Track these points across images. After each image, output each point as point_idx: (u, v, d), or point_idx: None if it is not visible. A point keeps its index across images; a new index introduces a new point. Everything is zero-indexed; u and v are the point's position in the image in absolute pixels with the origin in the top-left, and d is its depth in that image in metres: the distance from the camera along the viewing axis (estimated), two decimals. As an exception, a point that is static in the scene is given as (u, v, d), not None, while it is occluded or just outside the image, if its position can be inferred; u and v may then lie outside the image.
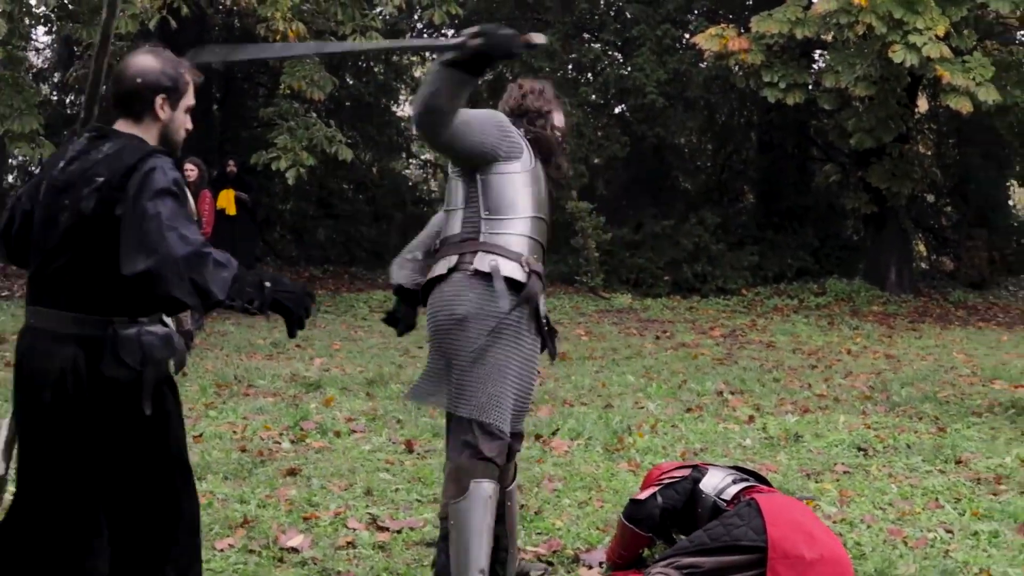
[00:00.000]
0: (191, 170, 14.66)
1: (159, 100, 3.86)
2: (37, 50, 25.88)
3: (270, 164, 17.96)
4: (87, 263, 3.74)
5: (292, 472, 7.48)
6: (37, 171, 4.04)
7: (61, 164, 3.84)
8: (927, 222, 26.41)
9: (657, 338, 16.40)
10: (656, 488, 5.50)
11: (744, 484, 5.35)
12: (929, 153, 25.04)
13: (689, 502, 5.42)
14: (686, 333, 17.05)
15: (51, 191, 3.81)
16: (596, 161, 23.30)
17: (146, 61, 3.87)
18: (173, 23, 15.62)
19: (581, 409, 10.05)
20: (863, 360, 14.25)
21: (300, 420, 9.17)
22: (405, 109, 29.24)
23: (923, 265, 26.60)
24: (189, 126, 3.99)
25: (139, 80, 3.83)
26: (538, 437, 8.65)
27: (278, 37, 16.78)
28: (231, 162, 19.02)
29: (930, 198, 26.06)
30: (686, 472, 5.59)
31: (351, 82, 24.14)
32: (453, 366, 4.94)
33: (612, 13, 24.05)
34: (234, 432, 8.74)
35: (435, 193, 29.15)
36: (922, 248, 27.31)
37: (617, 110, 24.61)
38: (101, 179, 3.71)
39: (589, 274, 21.55)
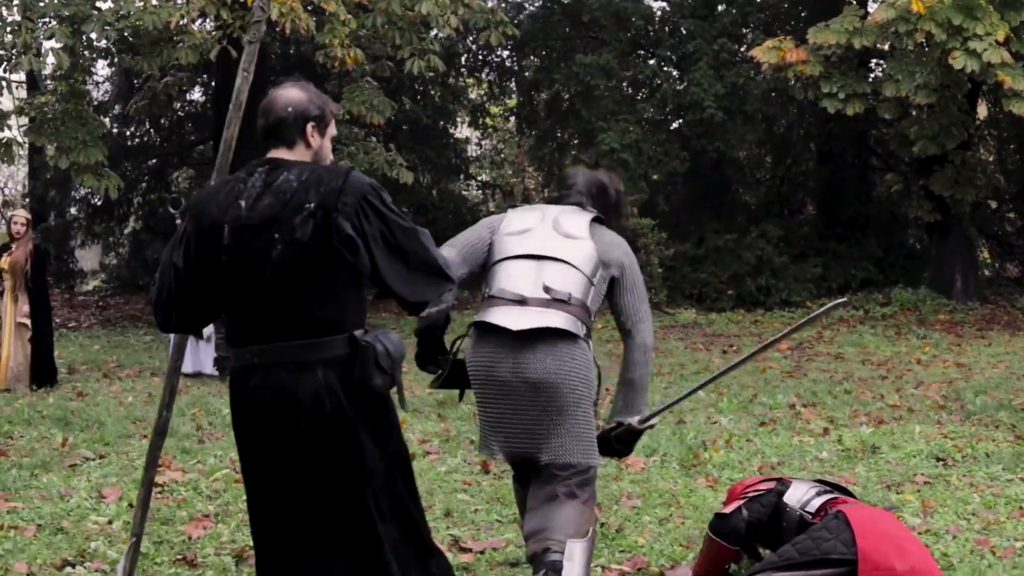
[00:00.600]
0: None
1: (309, 127, 3.97)
2: (97, 83, 26.23)
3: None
4: (313, 288, 3.82)
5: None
6: (185, 224, 3.98)
7: (243, 203, 3.83)
8: (991, 229, 26.15)
9: (724, 352, 16.34)
10: (741, 502, 5.49)
11: (828, 496, 5.31)
12: (991, 159, 24.83)
13: (774, 515, 5.40)
14: (752, 347, 16.92)
15: (245, 232, 3.82)
16: (656, 177, 23.24)
17: (294, 92, 3.97)
18: (234, 52, 15.74)
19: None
20: (933, 369, 14.13)
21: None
22: (462, 131, 29.39)
23: (988, 272, 26.34)
24: (331, 156, 4.12)
25: (290, 109, 3.92)
26: (612, 455, 8.63)
27: (336, 64, 16.92)
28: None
29: (993, 204, 25.80)
30: (770, 485, 5.57)
31: (408, 105, 24.23)
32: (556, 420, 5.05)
33: (668, 29, 24.05)
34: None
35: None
36: (986, 255, 27.06)
37: (675, 125, 24.55)
38: (311, 205, 3.77)
39: (652, 290, 21.51)
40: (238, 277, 3.85)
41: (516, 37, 20.12)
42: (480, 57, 25.63)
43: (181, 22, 15.91)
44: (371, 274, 3.85)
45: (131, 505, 7.22)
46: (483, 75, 26.67)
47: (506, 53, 25.81)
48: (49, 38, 16.41)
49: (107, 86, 26.88)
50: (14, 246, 13.34)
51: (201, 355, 14.34)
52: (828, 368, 14.39)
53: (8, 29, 16.40)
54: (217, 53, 16.21)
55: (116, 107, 25.59)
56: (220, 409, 11.18)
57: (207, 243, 3.85)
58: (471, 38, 22.75)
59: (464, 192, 28.70)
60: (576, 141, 25.44)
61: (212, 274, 3.88)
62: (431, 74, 21.23)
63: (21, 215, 13.70)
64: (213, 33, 16.45)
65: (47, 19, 16.64)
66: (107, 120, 25.72)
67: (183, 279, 3.91)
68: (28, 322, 13.29)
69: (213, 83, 23.65)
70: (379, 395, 3.88)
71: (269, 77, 21.10)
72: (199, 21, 17.39)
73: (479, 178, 28.90)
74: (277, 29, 16.15)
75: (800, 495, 5.37)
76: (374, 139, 19.61)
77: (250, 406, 3.89)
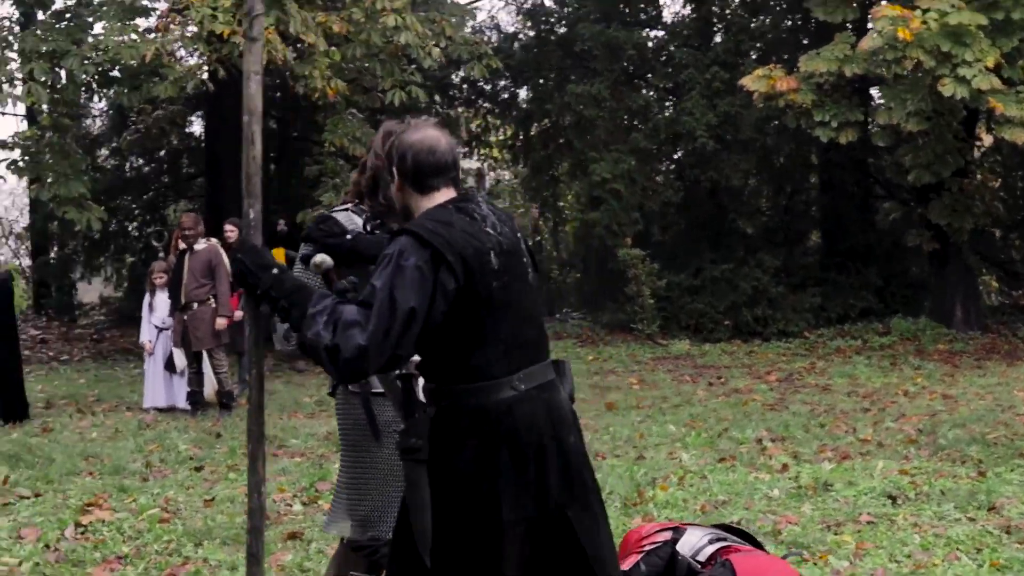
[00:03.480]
0: (231, 231, 14.68)
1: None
2: (93, 117, 26.20)
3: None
4: (542, 310, 4.10)
5: (293, 536, 7.32)
6: (415, 262, 3.66)
7: (491, 231, 3.80)
8: (996, 256, 25.76)
9: (710, 384, 16.10)
10: (639, 556, 5.23)
11: (721, 544, 5.07)
12: (997, 185, 24.46)
13: (669, 566, 5.15)
14: (741, 378, 16.71)
15: (508, 257, 3.83)
16: (651, 207, 23.01)
17: (444, 134, 3.98)
18: (210, 87, 15.64)
19: (612, 462, 9.80)
20: (919, 401, 13.82)
21: (317, 481, 9.01)
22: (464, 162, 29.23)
23: (994, 300, 25.95)
24: None
25: (455, 151, 3.98)
26: (556, 493, 8.40)
27: (316, 96, 16.79)
28: (281, 221, 19.05)
29: (997, 232, 25.41)
30: (666, 536, 5.31)
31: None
32: None
33: (662, 58, 23.84)
34: (246, 495, 8.58)
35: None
36: (994, 283, 26.67)
37: (676, 156, 24.34)
38: (520, 237, 3.97)
39: (645, 321, 21.28)
40: (509, 301, 3.82)
41: (500, 69, 19.99)
42: (476, 88, 25.43)
43: (158, 57, 15.77)
44: None
45: (47, 546, 7.05)
46: (478, 106, 26.49)
47: (502, 83, 25.64)
48: (28, 73, 16.29)
49: (103, 119, 26.82)
50: (-22, 280, 13.25)
51: (175, 389, 14.24)
52: (811, 400, 14.12)
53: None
54: (194, 87, 16.10)
55: (113, 140, 25.52)
56: (177, 445, 11.03)
57: (475, 272, 3.71)
58: (460, 71, 22.53)
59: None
60: (569, 172, 25.27)
61: (479, 304, 3.74)
62: (422, 104, 21.16)
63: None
64: (190, 68, 16.34)
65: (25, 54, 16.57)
66: (105, 152, 25.74)
67: (417, 319, 3.61)
68: (-9, 357, 13.18)
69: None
70: None
71: (236, 109, 21.16)
72: (181, 55, 17.25)
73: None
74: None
75: (693, 542, 5.14)
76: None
77: (528, 434, 3.77)
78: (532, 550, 3.78)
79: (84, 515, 7.81)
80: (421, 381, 3.97)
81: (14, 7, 17.81)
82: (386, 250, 3.72)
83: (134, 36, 16.26)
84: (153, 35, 16.41)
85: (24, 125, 23.81)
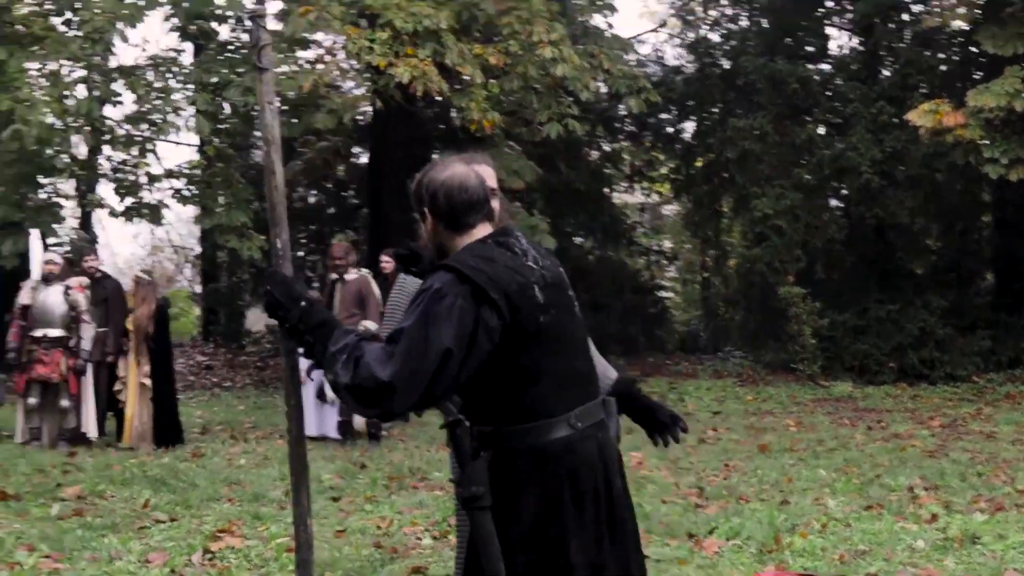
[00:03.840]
0: (387, 262, 14.71)
1: None
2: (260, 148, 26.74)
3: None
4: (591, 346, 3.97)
5: (417, 570, 7.23)
6: (453, 300, 3.52)
7: (533, 265, 3.71)
8: None
9: (869, 428, 15.61)
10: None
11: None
12: None
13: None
14: (902, 423, 16.17)
15: (552, 288, 3.73)
16: (815, 244, 22.50)
17: (473, 170, 3.88)
18: (363, 118, 15.81)
19: (755, 506, 9.51)
20: (1089, 452, 13.18)
21: (450, 515, 8.92)
22: (629, 196, 29.14)
23: None
24: None
25: (486, 187, 3.86)
26: (691, 536, 8.18)
27: (473, 127, 16.85)
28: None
29: None
30: None
31: (564, 169, 24.12)
32: None
33: (828, 93, 23.35)
34: (379, 527, 8.56)
35: (658, 281, 28.82)
36: None
37: (842, 192, 23.79)
38: (564, 275, 3.87)
39: (806, 361, 20.79)
40: (558, 335, 3.71)
41: (659, 103, 19.80)
42: (641, 121, 25.27)
43: (316, 88, 16.01)
44: None
45: (172, 571, 7.10)
46: (642, 139, 26.34)
47: (665, 116, 25.45)
48: (192, 104, 16.71)
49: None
50: (136, 305, 13.55)
51: (326, 418, 14.29)
52: (973, 448, 13.55)
53: (154, 96, 16.80)
54: (350, 118, 16.29)
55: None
56: (320, 474, 11.06)
57: (520, 307, 3.59)
58: (620, 105, 22.41)
59: (627, 259, 28.27)
60: (732, 207, 24.93)
61: (527, 340, 3.62)
62: (583, 137, 21.17)
63: (136, 274, 13.98)
64: (345, 99, 16.56)
65: (191, 85, 16.99)
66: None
67: (453, 358, 3.48)
68: (148, 382, 13.45)
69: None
70: None
71: (412, 140, 21.38)
72: (341, 87, 17.51)
73: (645, 244, 28.48)
74: (409, 91, 16.14)
75: None
76: (518, 203, 19.45)
77: (587, 474, 3.67)
78: None
79: (215, 541, 7.85)
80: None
81: (181, 39, 18.23)
82: (423, 286, 3.60)
83: (295, 68, 16.52)
84: (311, 67, 16.65)
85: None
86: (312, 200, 27.39)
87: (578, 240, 27.25)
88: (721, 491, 10.30)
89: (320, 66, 16.51)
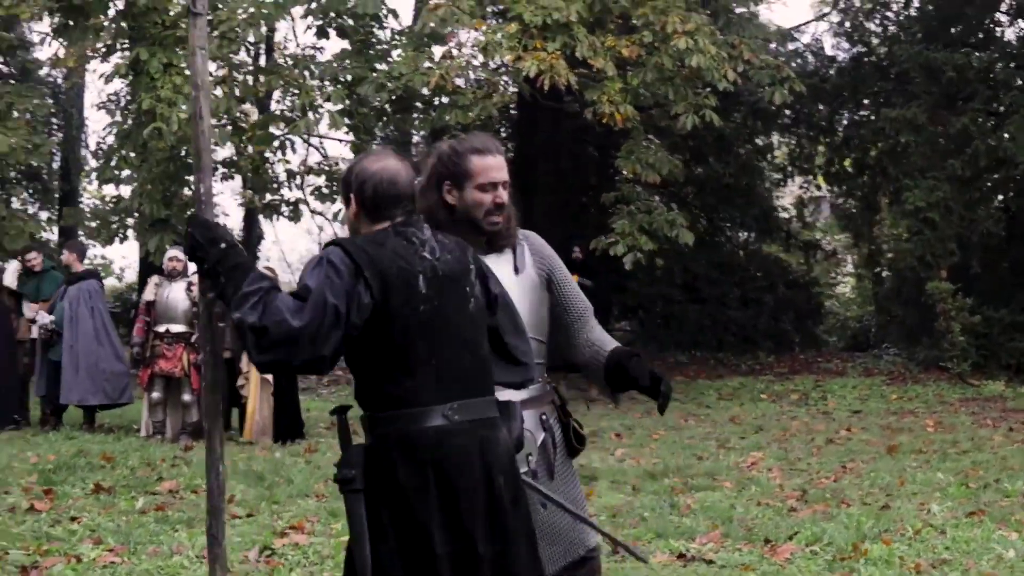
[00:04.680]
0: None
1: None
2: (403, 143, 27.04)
3: (608, 249, 17.74)
4: (487, 345, 3.92)
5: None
6: (339, 270, 3.66)
7: (428, 255, 3.80)
8: None
9: (1011, 430, 14.93)
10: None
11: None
12: None
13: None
14: (1050, 425, 15.43)
15: (444, 280, 3.81)
16: (970, 238, 21.68)
17: (405, 166, 3.98)
18: (494, 112, 15.76)
19: (854, 510, 9.15)
20: None
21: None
22: (784, 188, 28.55)
23: None
24: None
25: (414, 183, 3.99)
26: (767, 542, 7.90)
27: (605, 121, 16.65)
28: (577, 248, 18.97)
29: None
30: None
31: (712, 162, 23.75)
32: None
33: (991, 82, 22.42)
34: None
35: (814, 275, 28.14)
36: None
37: (994, 184, 22.92)
38: (473, 267, 3.93)
39: (955, 359, 20.05)
40: (441, 327, 3.77)
41: (804, 93, 19.27)
42: (794, 112, 24.67)
43: (444, 83, 16.02)
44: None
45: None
46: (796, 131, 25.72)
47: (821, 108, 24.80)
48: (327, 100, 16.89)
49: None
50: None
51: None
52: (1124, 452, 12.83)
53: (290, 92, 17.04)
54: (479, 113, 16.25)
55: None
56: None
57: (395, 292, 3.69)
58: (757, 95, 21.82)
59: (781, 253, 27.66)
60: (888, 200, 24.18)
61: (404, 328, 3.71)
62: (735, 130, 20.82)
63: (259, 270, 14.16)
64: (476, 93, 16.53)
65: (324, 81, 17.18)
66: (421, 180, 26.41)
67: (342, 323, 3.63)
68: (270, 377, 13.61)
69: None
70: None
71: (556, 135, 21.27)
72: (473, 80, 17.52)
73: (800, 238, 27.77)
74: (536, 86, 16.03)
75: None
76: (656, 198, 19.19)
77: (458, 468, 3.71)
78: None
79: (280, 538, 7.87)
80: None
81: (317, 37, 18.46)
82: (317, 255, 3.79)
83: (427, 64, 16.56)
84: (439, 62, 16.67)
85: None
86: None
87: (729, 234, 26.82)
88: (824, 494, 9.96)
89: (447, 61, 16.50)
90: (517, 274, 4.50)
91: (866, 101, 24.06)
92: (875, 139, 22.86)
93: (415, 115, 18.03)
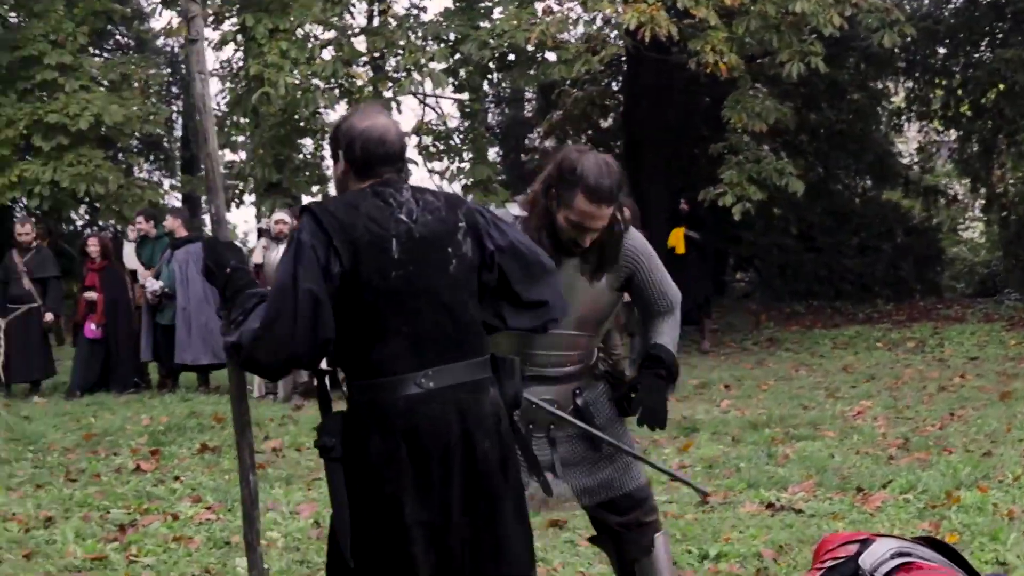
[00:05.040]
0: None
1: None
2: (518, 100, 27.05)
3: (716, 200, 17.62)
4: (475, 306, 3.82)
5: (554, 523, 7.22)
6: (309, 243, 3.62)
7: (405, 217, 3.69)
8: None
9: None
10: (819, 573, 4.69)
11: (903, 559, 4.46)
12: None
13: (852, 583, 4.57)
14: None
15: (420, 243, 3.70)
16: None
17: (394, 123, 3.96)
18: (598, 66, 15.72)
19: (953, 457, 9.03)
20: None
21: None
22: (897, 137, 28.00)
23: None
24: None
25: (404, 141, 3.96)
26: (859, 490, 7.86)
27: (709, 70, 16.49)
28: (684, 200, 18.87)
29: None
30: (854, 548, 4.71)
31: (825, 108, 23.38)
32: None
33: None
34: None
35: (937, 221, 27.58)
36: None
37: None
38: (463, 225, 3.78)
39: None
40: (416, 293, 3.68)
41: (914, 37, 18.85)
42: (909, 55, 24.15)
43: (544, 38, 16.03)
44: (494, 287, 3.87)
45: (316, 523, 7.28)
46: (911, 75, 25.16)
47: (942, 51, 24.25)
48: (430, 60, 17.01)
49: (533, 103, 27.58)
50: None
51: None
52: None
53: (394, 52, 17.19)
54: (582, 67, 16.22)
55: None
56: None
57: (366, 260, 3.63)
58: (860, 37, 21.35)
59: (902, 200, 27.11)
60: (1004, 143, 23.58)
61: (375, 294, 3.65)
62: (848, 76, 20.32)
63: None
64: (579, 46, 16.48)
65: (428, 41, 17.29)
66: (534, 136, 26.50)
67: (323, 304, 3.58)
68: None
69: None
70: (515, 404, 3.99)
71: (664, 87, 21.10)
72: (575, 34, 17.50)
73: (921, 184, 27.15)
74: (637, 38, 15.94)
75: (875, 558, 4.51)
76: (765, 147, 18.97)
77: (427, 432, 3.66)
78: (439, 557, 3.65)
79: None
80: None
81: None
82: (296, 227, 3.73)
83: (530, 19, 16.57)
84: (541, 18, 16.67)
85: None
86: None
87: (846, 182, 26.38)
88: (927, 442, 9.83)
89: (548, 17, 16.50)
90: (582, 272, 4.57)
91: (983, 44, 23.42)
92: (991, 80, 22.29)
93: (521, 71, 18.00)
